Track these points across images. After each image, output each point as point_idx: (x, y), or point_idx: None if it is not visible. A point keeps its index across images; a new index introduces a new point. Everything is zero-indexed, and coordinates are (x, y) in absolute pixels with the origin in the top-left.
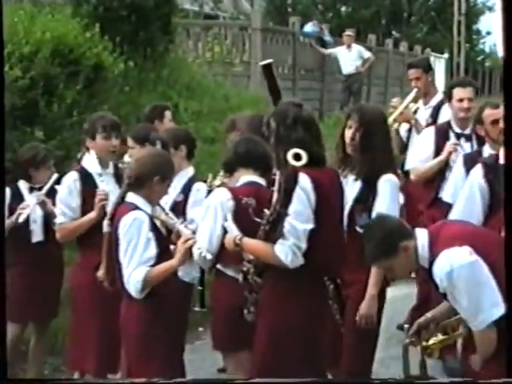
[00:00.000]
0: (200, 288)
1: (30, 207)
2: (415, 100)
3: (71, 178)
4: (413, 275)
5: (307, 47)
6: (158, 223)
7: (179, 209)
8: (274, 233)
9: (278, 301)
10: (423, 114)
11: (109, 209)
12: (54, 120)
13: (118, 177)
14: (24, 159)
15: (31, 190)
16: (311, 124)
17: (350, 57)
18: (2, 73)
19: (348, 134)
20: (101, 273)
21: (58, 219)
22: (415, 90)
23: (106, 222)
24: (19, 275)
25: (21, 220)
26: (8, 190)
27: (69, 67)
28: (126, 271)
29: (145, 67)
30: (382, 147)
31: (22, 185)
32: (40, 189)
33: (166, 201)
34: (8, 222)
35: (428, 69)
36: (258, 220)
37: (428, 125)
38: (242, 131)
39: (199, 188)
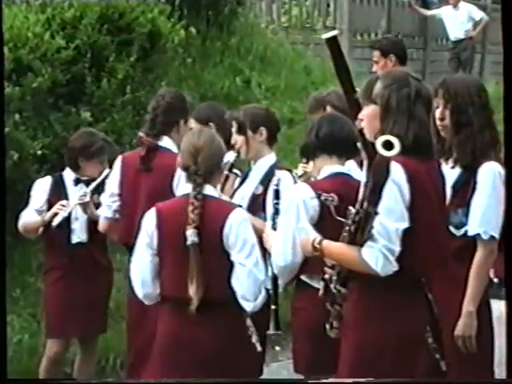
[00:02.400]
0: (274, 307)
1: (69, 208)
2: None
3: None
4: None
5: (405, 8)
6: None
7: (258, 203)
8: (361, 234)
9: (364, 315)
10: None
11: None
12: (103, 98)
13: None
14: (75, 145)
15: (77, 181)
16: (430, 104)
17: (458, 18)
18: (2, 72)
19: (436, 114)
20: (192, 291)
21: (104, 212)
22: None
23: (191, 232)
24: (57, 282)
25: (55, 223)
26: (49, 179)
27: (119, 35)
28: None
29: (209, 35)
30: (479, 125)
31: (68, 174)
32: (87, 183)
33: (244, 194)
34: (39, 219)
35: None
36: (342, 219)
37: None
38: (330, 111)
39: (282, 178)
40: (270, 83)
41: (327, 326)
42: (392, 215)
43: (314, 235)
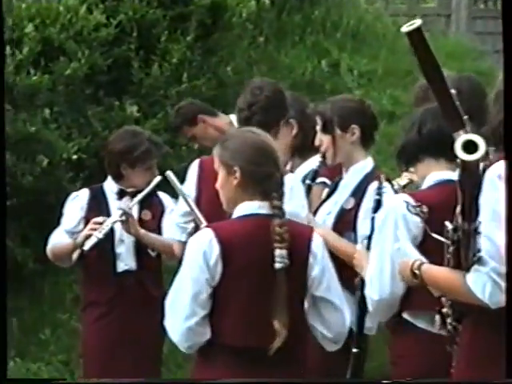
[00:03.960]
0: (355, 350)
1: (105, 228)
2: None
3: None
4: None
5: None
6: None
7: (347, 220)
8: (465, 256)
9: (476, 358)
10: None
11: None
12: (154, 88)
13: None
14: (115, 149)
15: (121, 194)
16: None
17: None
18: (2, 71)
19: None
20: (277, 325)
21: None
22: None
23: (282, 253)
24: (99, 321)
25: (87, 248)
26: (86, 192)
27: (173, 8)
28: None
29: (286, 6)
30: None
31: (110, 185)
32: (134, 195)
33: (330, 209)
34: (71, 242)
35: None
36: (440, 238)
37: None
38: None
39: (379, 189)
40: (365, 67)
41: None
42: (499, 231)
43: (413, 258)
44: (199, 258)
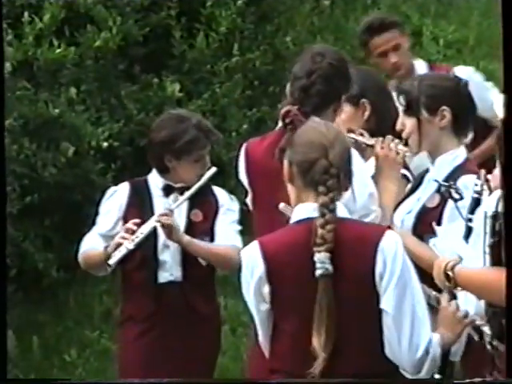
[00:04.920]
0: (438, 377)
1: (141, 234)
2: None
3: None
4: None
5: None
6: None
7: (429, 220)
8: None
9: None
10: None
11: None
12: (199, 63)
13: None
14: (156, 138)
15: (168, 190)
16: None
17: None
18: (1, 71)
19: None
20: (316, 343)
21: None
22: None
23: (323, 256)
24: (138, 340)
25: (112, 262)
26: (126, 188)
27: None
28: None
29: None
30: None
31: (154, 180)
32: (183, 192)
33: (411, 207)
34: (101, 251)
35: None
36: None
37: None
38: None
39: (479, 185)
40: (452, 35)
41: None
42: None
43: (450, 256)
44: (247, 276)
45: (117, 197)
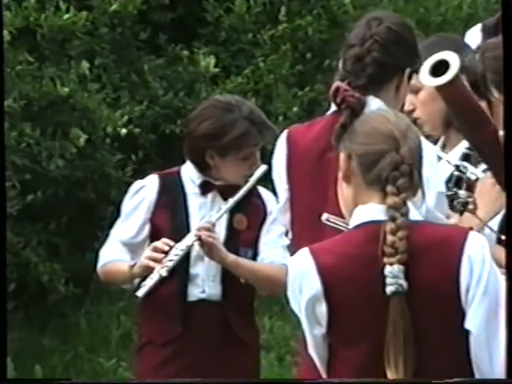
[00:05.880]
0: None
1: (176, 257)
2: None
3: None
4: None
5: None
6: None
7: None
8: None
9: None
10: None
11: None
12: (238, 32)
13: None
14: (197, 131)
15: (206, 187)
16: None
17: None
18: (1, 71)
19: None
20: (391, 376)
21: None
22: None
23: (395, 270)
24: (163, 368)
25: (140, 294)
26: (155, 181)
27: None
28: None
29: None
30: None
31: (188, 173)
32: (223, 191)
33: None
34: (126, 269)
35: None
36: None
37: None
38: None
39: None
40: None
41: None
42: None
43: None
44: (296, 292)
45: (143, 194)
